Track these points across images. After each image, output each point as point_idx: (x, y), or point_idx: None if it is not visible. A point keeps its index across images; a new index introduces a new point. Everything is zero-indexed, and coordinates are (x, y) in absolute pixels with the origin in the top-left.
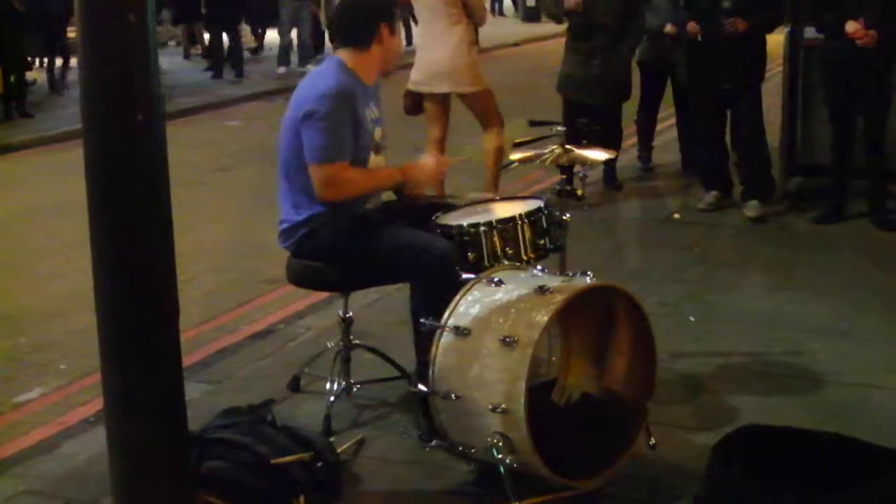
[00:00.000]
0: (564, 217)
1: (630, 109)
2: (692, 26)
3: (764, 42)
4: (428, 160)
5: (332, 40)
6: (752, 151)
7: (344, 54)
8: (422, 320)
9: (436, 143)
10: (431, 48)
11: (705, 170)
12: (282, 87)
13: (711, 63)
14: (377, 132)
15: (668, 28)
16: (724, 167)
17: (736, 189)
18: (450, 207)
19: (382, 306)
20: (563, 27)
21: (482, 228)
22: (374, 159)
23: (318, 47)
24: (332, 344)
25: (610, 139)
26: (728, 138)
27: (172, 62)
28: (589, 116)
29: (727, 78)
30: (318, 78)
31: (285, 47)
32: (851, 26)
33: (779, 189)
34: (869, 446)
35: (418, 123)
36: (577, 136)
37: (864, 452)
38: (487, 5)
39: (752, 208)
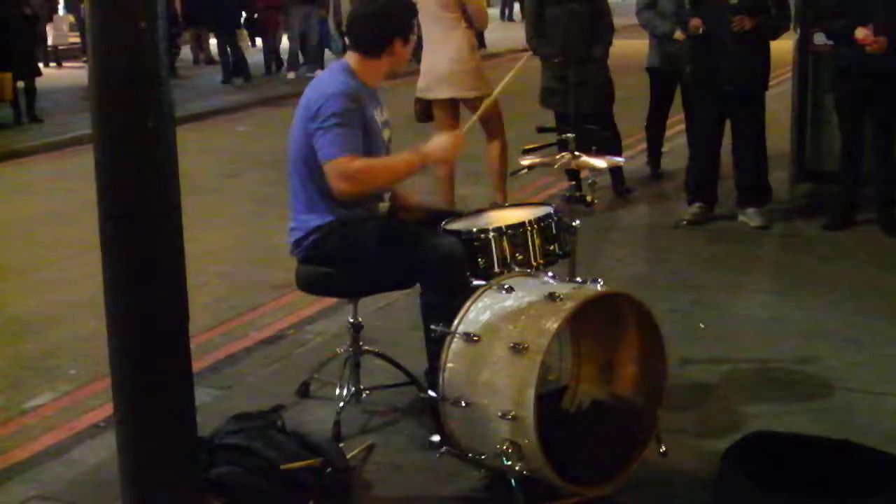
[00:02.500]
0: (574, 223)
1: (639, 115)
2: (696, 22)
3: (768, 48)
4: (441, 137)
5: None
6: (752, 158)
7: (352, 57)
8: (432, 326)
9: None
10: (433, 54)
11: (693, 180)
12: (291, 92)
13: (716, 65)
14: (386, 133)
15: (678, 34)
16: (713, 179)
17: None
18: (458, 214)
19: (391, 312)
20: None
21: (492, 234)
22: None
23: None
24: (342, 350)
25: (609, 144)
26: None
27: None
28: (586, 123)
29: (731, 80)
30: (324, 81)
31: (295, 52)
32: (861, 33)
33: (788, 196)
34: (878, 453)
35: (421, 129)
36: (586, 142)
37: (874, 460)
38: (497, 11)
39: (753, 217)
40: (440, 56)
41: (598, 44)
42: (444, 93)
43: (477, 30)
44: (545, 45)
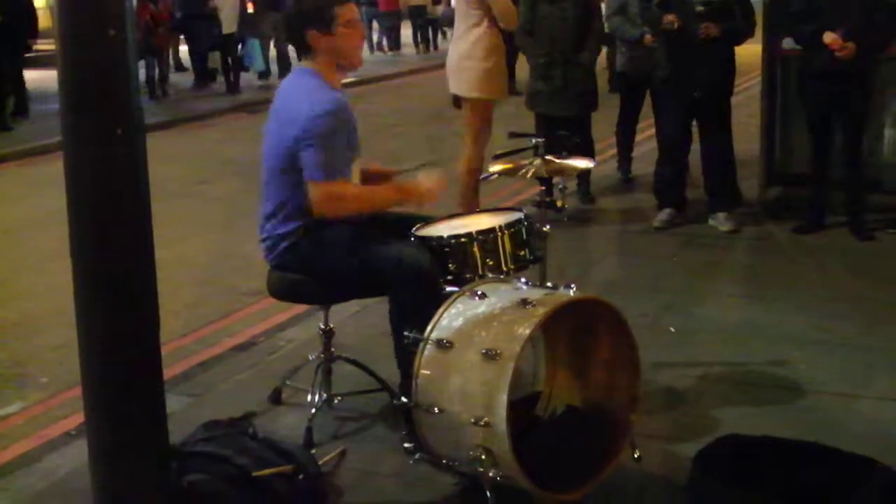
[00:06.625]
0: (544, 228)
1: (609, 121)
2: (670, 17)
3: (734, 54)
4: (425, 180)
5: None
6: (720, 162)
7: (304, 65)
8: (405, 333)
9: (469, 147)
10: (452, 47)
11: (662, 185)
12: (262, 98)
13: (684, 70)
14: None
15: (648, 38)
16: (681, 183)
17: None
18: (430, 219)
19: (363, 318)
20: None
21: (462, 240)
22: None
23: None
24: (313, 356)
25: (582, 151)
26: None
27: None
28: (559, 129)
29: (699, 87)
30: (305, 93)
31: (265, 59)
32: (829, 38)
33: (757, 199)
34: (848, 455)
35: (397, 131)
36: (558, 147)
37: (843, 461)
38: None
39: (723, 221)
40: (454, 50)
41: (586, 49)
42: (451, 87)
43: (504, 30)
44: (533, 45)
